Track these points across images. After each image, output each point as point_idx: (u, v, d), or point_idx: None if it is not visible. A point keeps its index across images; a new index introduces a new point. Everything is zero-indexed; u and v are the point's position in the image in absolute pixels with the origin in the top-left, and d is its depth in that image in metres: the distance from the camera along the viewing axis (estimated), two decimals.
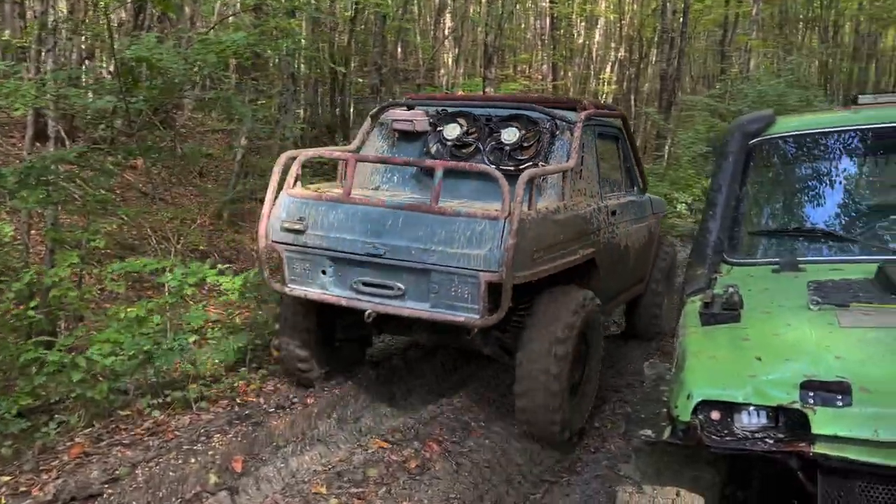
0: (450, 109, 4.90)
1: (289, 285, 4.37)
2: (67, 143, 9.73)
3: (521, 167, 4.41)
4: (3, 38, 9.53)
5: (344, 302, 4.18)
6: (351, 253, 4.09)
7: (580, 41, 27.05)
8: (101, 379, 4.41)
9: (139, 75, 6.44)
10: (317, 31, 16.44)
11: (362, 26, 18.92)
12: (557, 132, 4.60)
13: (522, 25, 26.61)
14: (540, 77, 24.97)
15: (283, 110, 12.49)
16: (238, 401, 4.70)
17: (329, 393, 4.77)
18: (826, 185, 2.94)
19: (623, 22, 25.33)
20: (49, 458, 3.82)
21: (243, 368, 5.28)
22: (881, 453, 1.71)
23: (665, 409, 2.14)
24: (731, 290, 2.23)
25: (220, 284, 5.06)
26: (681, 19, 20.70)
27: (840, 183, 2.93)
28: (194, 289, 5.02)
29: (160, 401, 4.54)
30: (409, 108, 5.01)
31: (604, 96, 27.85)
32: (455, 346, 4.79)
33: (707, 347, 2.07)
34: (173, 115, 12.33)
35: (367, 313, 4.09)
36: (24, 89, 4.80)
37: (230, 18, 15.08)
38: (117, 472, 3.57)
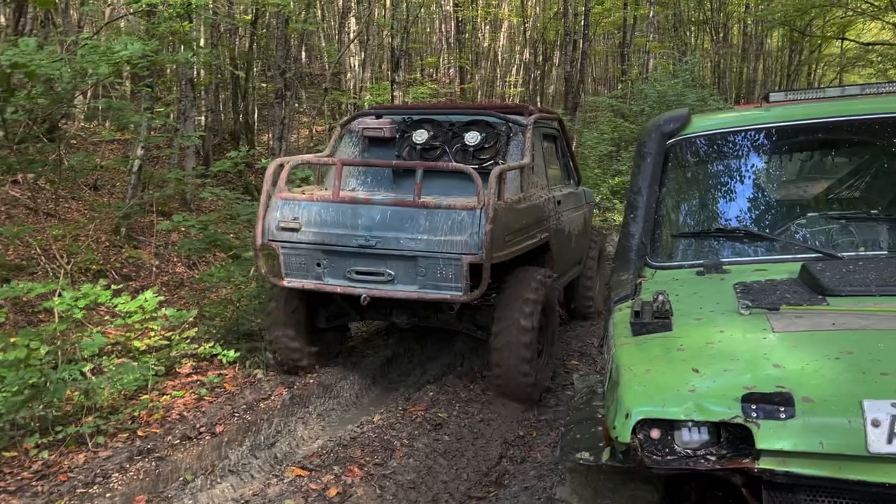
0: (415, 117, 5.40)
1: (286, 279, 4.77)
2: None
3: (484, 165, 4.96)
4: None
5: (339, 289, 4.66)
6: (344, 246, 4.58)
7: (485, 44, 27.27)
8: None
9: (19, 83, 5.92)
10: (216, 35, 15.86)
11: (264, 30, 18.42)
12: (512, 134, 5.17)
13: (428, 29, 26.59)
14: (448, 80, 25.00)
15: (182, 118, 11.95)
16: (140, 433, 4.34)
17: (240, 419, 4.49)
18: (743, 183, 2.92)
19: (526, 25, 25.68)
20: None
21: (144, 396, 4.92)
22: (827, 466, 1.64)
23: (600, 429, 2.02)
24: (660, 297, 2.14)
25: (116, 306, 4.65)
26: (582, 22, 21.16)
27: (757, 181, 2.91)
28: (84, 312, 4.61)
29: (50, 439, 4.13)
30: (378, 116, 5.46)
31: (510, 98, 28.19)
32: (434, 325, 5.27)
33: (641, 360, 1.96)
34: (62, 125, 11.57)
35: (362, 298, 4.58)
36: None
37: (121, 23, 14.33)
38: None
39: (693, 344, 1.99)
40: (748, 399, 1.70)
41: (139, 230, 11.06)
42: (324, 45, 18.95)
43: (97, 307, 5.06)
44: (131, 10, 11.08)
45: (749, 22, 28.08)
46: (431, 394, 4.87)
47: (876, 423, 1.59)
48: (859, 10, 20.88)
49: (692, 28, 29.92)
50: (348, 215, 4.58)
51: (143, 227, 11.22)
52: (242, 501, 3.46)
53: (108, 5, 13.19)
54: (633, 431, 1.77)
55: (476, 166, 4.79)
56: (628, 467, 1.82)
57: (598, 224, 13.51)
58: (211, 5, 12.64)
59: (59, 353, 4.51)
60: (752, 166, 2.93)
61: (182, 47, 11.71)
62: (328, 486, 3.61)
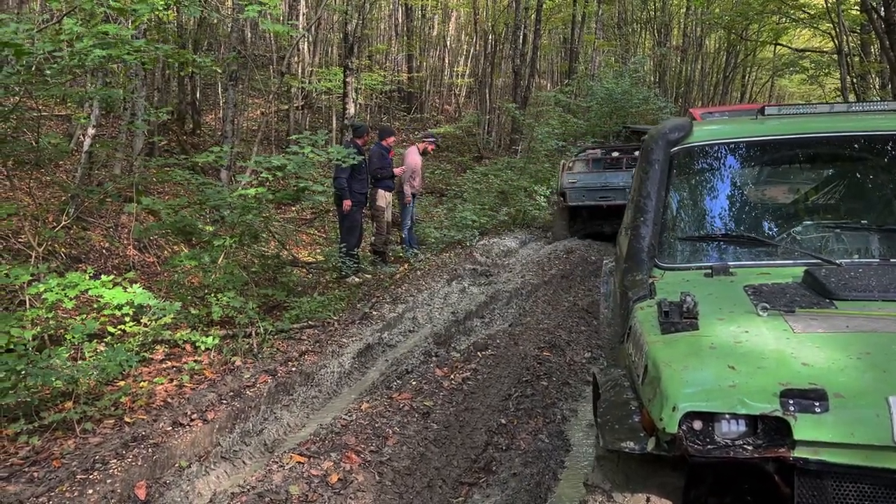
0: (606, 149, 11.95)
1: (569, 202, 11.04)
2: None
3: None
4: None
5: (592, 203, 10.93)
6: (594, 188, 10.84)
7: (434, 33, 27.28)
8: None
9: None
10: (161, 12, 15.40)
11: (213, 5, 17.94)
12: None
13: (377, 15, 26.42)
14: (398, 69, 24.93)
15: (134, 95, 11.61)
16: (126, 419, 4.32)
17: (228, 406, 4.50)
18: (743, 191, 3.13)
19: (477, 16, 25.80)
20: None
21: (122, 382, 4.88)
22: (856, 455, 1.84)
23: (636, 419, 2.18)
24: (689, 298, 2.31)
25: (103, 297, 4.57)
26: (533, 16, 21.40)
27: (755, 189, 3.13)
28: (75, 302, 4.52)
29: (36, 425, 4.08)
30: (594, 149, 11.97)
31: (458, 89, 28.31)
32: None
33: (677, 357, 2.12)
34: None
35: (604, 205, 10.73)
36: None
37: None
38: None
39: (723, 343, 2.17)
40: (786, 394, 1.88)
41: (89, 211, 10.72)
42: (279, 28, 18.60)
43: (81, 294, 4.95)
44: None
45: (689, 23, 28.94)
46: (414, 383, 4.98)
47: None
48: (794, 17, 21.79)
49: (635, 27, 30.65)
50: (596, 177, 10.94)
51: (93, 209, 10.87)
52: (248, 487, 3.51)
53: None
54: (679, 423, 1.93)
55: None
56: (672, 455, 1.98)
57: (547, 217, 13.85)
58: None
59: (40, 339, 4.42)
60: (751, 175, 3.14)
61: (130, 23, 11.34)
62: (329, 473, 3.69)
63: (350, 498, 3.51)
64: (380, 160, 9.11)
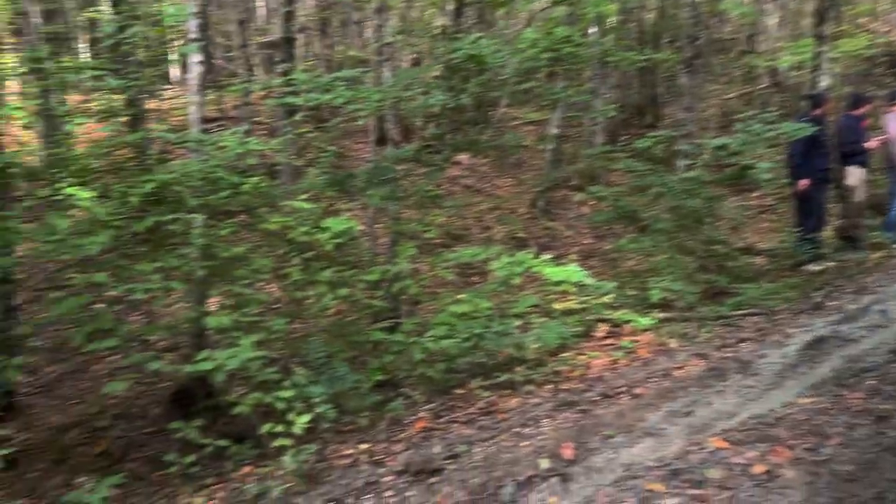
0: None
1: None
2: (402, 144, 10.75)
3: None
4: (350, 54, 10.77)
5: None
6: None
7: None
8: (437, 359, 4.74)
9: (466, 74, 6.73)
10: (624, 12, 16.10)
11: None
12: None
13: None
14: (887, 29, 21.51)
15: (594, 94, 12.37)
16: (562, 387, 4.70)
17: (657, 385, 4.55)
18: None
19: None
20: (397, 430, 4.18)
21: (564, 354, 5.30)
22: None
23: None
24: None
25: (545, 275, 5.08)
26: None
27: None
28: (521, 278, 5.13)
29: (489, 382, 4.73)
30: None
31: None
32: None
33: None
34: (489, 111, 12.94)
35: None
36: (368, 94, 5.35)
37: (542, 12, 15.37)
38: (456, 448, 3.77)
39: None
40: None
41: (554, 203, 11.88)
42: (734, 6, 17.67)
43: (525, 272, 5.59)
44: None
45: None
46: (873, 382, 4.32)
47: None
48: None
49: None
50: None
51: (556, 201, 12.02)
52: (664, 464, 3.53)
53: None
54: None
55: None
56: None
57: None
58: None
59: (493, 310, 5.11)
60: None
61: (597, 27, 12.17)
62: (752, 463, 3.46)
63: (775, 492, 3.24)
64: (851, 133, 8.04)
